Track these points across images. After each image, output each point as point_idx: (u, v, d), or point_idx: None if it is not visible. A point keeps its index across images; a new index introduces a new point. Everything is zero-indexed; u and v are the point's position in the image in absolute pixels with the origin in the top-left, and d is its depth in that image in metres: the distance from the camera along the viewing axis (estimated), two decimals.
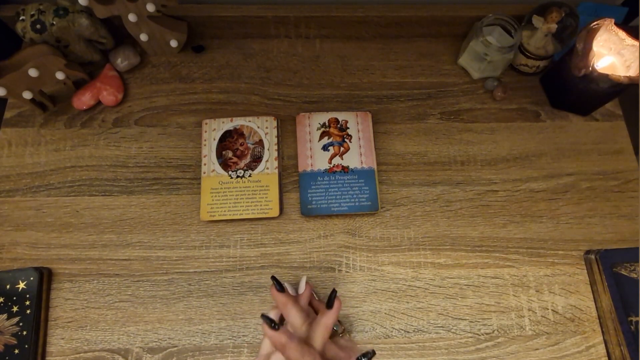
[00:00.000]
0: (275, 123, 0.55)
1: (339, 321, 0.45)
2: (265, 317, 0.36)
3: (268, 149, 0.53)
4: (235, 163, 0.53)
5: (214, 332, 0.47)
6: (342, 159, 0.53)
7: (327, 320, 0.37)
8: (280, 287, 0.40)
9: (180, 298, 0.48)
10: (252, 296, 0.49)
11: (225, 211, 0.51)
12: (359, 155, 0.54)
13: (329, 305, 0.38)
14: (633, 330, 0.46)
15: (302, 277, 0.43)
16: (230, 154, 0.53)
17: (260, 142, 0.54)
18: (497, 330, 0.48)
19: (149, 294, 0.48)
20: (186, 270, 0.50)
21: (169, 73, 0.59)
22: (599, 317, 0.49)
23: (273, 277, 0.41)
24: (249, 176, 0.52)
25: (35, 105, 0.54)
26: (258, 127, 0.54)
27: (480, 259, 0.51)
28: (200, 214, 0.51)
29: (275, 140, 0.54)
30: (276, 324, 0.36)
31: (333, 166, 0.53)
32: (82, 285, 0.49)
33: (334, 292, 0.39)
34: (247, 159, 0.53)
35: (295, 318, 0.38)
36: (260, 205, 0.51)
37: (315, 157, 0.53)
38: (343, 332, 0.43)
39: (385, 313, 0.49)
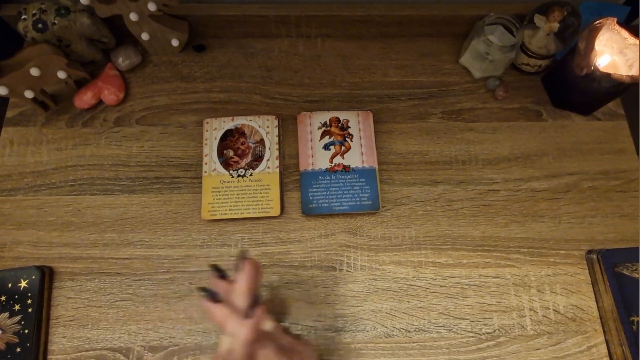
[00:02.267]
0: (276, 122, 0.55)
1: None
2: (204, 290, 0.34)
3: (269, 148, 0.53)
4: (237, 162, 0.53)
5: (215, 331, 0.47)
6: (343, 158, 0.53)
7: (239, 285, 0.35)
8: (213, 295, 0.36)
9: (181, 297, 0.48)
10: None
11: (226, 210, 0.51)
12: (360, 155, 0.54)
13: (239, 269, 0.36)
14: (634, 330, 0.46)
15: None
16: (231, 153, 0.53)
17: (261, 141, 0.54)
18: (499, 330, 0.48)
19: (150, 292, 0.49)
20: (187, 269, 0.50)
21: (170, 72, 0.59)
22: (601, 317, 0.49)
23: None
24: (250, 175, 0.52)
25: (37, 105, 0.54)
26: (259, 126, 0.54)
27: (481, 258, 0.51)
28: (202, 213, 0.51)
29: (276, 139, 0.54)
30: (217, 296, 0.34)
31: (334, 165, 0.53)
32: (83, 284, 0.49)
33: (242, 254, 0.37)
34: (248, 158, 0.53)
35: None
36: (261, 204, 0.51)
37: (316, 157, 0.53)
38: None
39: (387, 312, 0.48)
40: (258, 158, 0.53)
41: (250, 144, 0.54)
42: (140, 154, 0.54)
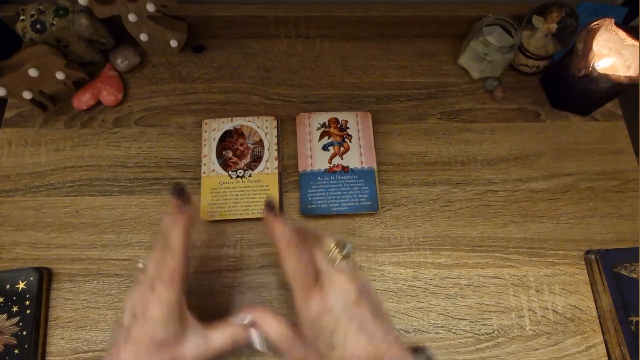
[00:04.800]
0: (275, 123, 0.55)
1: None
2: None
3: (268, 149, 0.53)
4: (235, 163, 0.53)
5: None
6: (342, 158, 0.53)
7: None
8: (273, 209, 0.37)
9: None
10: (252, 296, 0.49)
11: (225, 211, 0.51)
12: (359, 155, 0.54)
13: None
14: (633, 330, 0.46)
15: None
16: (230, 153, 0.53)
17: (260, 142, 0.54)
18: (497, 330, 0.48)
19: None
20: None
21: (169, 73, 0.59)
22: (599, 317, 0.49)
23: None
24: (249, 176, 0.52)
25: (35, 105, 0.54)
26: (258, 127, 0.54)
27: (480, 258, 0.51)
28: (200, 214, 0.51)
29: (275, 140, 0.54)
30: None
31: (333, 166, 0.53)
32: (82, 285, 0.48)
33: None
34: (247, 159, 0.53)
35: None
36: (261, 205, 0.51)
37: (315, 157, 0.53)
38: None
39: None
40: (257, 159, 0.53)
41: (249, 144, 0.54)
42: (138, 154, 0.54)
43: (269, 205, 0.37)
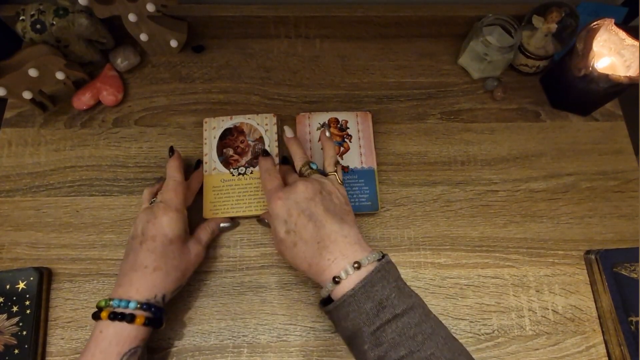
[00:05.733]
0: (274, 120, 0.55)
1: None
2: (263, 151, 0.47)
3: (269, 146, 0.53)
4: (237, 160, 0.53)
5: (214, 332, 0.47)
6: (342, 159, 0.53)
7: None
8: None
9: (179, 298, 0.48)
10: (252, 296, 0.49)
11: (228, 208, 0.51)
12: (359, 155, 0.54)
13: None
14: (633, 330, 0.46)
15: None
16: (231, 151, 0.53)
17: (260, 139, 0.54)
18: (497, 331, 0.48)
19: None
20: None
21: (169, 73, 0.59)
22: (599, 317, 0.49)
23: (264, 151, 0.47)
24: (251, 173, 0.52)
25: (35, 105, 0.54)
26: (258, 124, 0.54)
27: (480, 259, 0.51)
28: (203, 212, 0.50)
29: (276, 136, 0.54)
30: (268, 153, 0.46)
31: None
32: (82, 285, 0.48)
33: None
34: (248, 156, 0.53)
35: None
36: (263, 202, 0.51)
37: (315, 157, 0.53)
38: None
39: None
40: (258, 156, 0.53)
41: (249, 142, 0.54)
42: (139, 154, 0.54)
43: (264, 151, 0.47)
